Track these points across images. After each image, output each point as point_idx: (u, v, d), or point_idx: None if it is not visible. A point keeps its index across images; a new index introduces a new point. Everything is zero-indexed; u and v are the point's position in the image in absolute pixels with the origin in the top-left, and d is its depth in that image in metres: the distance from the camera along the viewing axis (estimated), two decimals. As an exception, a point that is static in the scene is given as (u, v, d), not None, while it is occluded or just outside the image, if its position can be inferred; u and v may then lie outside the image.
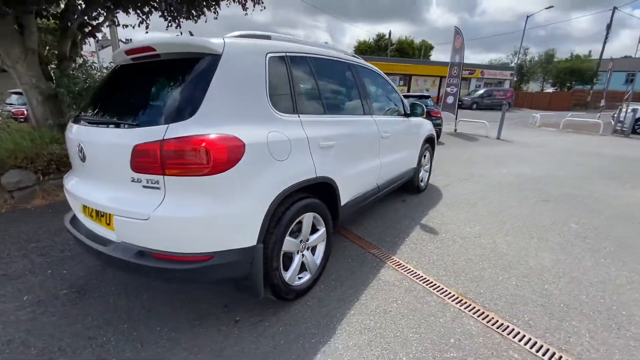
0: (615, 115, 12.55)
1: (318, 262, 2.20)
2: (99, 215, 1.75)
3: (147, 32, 5.50)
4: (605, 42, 30.50)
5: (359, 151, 2.58)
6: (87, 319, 1.93)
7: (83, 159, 1.78)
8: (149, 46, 1.67)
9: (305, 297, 2.15)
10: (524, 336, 1.84)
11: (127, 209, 1.56)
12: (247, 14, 5.58)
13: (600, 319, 2.00)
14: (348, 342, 1.79)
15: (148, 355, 1.70)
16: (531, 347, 1.76)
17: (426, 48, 46.73)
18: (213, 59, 1.58)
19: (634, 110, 11.88)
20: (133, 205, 1.55)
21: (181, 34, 4.38)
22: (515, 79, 34.51)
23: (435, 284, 2.34)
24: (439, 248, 2.91)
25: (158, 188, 1.49)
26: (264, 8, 5.65)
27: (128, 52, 1.83)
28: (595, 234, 3.26)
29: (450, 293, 2.24)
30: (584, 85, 35.38)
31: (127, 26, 5.46)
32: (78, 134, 1.86)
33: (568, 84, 37.16)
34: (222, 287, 2.24)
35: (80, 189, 1.88)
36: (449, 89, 13.02)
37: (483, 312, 2.04)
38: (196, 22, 5.44)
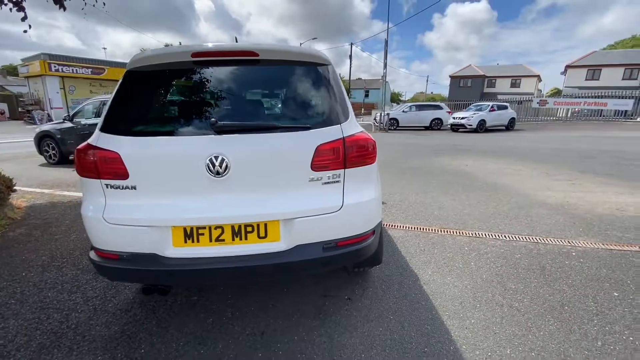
0: (376, 118, 18.56)
1: None
2: (242, 232, 1.59)
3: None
4: (350, 68, 43.57)
5: None
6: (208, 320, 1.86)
7: (219, 173, 1.54)
8: (252, 51, 1.65)
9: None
10: (429, 228, 3.25)
11: (318, 208, 1.62)
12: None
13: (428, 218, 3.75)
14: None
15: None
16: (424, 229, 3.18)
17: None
18: (327, 67, 1.80)
19: (387, 114, 18.07)
20: (321, 202, 1.63)
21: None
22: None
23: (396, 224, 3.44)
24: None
25: (338, 181, 1.65)
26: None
27: (220, 54, 1.67)
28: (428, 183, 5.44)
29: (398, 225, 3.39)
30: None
31: None
32: (215, 145, 1.55)
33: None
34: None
35: (219, 212, 1.58)
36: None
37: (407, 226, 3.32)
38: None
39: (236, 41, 1.98)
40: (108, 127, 1.63)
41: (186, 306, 2.11)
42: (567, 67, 36.80)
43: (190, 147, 1.57)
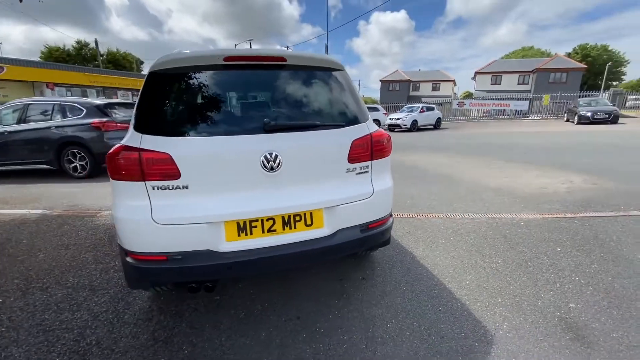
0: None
1: None
2: (291, 222, 1.73)
3: None
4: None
5: None
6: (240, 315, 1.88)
7: (273, 168, 1.67)
8: (281, 56, 1.79)
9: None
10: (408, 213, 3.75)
11: (355, 195, 1.85)
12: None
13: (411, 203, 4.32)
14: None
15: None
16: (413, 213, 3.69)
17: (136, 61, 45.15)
18: (343, 72, 2.02)
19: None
20: (356, 190, 1.87)
21: None
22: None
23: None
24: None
25: (367, 171, 1.92)
26: None
27: (251, 59, 1.78)
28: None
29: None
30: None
31: None
32: (268, 143, 1.68)
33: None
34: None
35: (272, 205, 1.69)
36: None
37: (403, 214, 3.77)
38: None
39: (250, 47, 2.09)
40: (148, 129, 1.61)
41: (211, 307, 2.12)
42: (477, 73, 42.57)
43: (247, 146, 1.66)
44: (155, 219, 1.56)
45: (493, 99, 28.06)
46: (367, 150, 1.90)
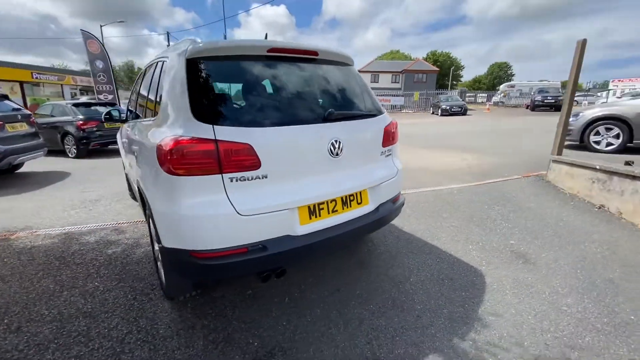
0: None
1: None
2: (347, 201, 1.90)
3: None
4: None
5: None
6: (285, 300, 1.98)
7: (337, 154, 1.82)
8: (315, 51, 1.92)
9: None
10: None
11: (388, 175, 2.18)
12: None
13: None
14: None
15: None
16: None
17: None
18: (354, 67, 2.27)
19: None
20: (388, 170, 2.21)
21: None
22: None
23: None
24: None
25: (390, 154, 2.28)
26: None
27: (291, 51, 1.85)
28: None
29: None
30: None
31: None
32: (332, 131, 1.82)
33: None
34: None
35: (335, 187, 1.85)
36: (101, 97, 12.21)
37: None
38: None
39: (266, 38, 2.10)
40: (218, 119, 1.54)
41: (249, 301, 2.11)
42: (359, 71, 47.57)
43: (318, 134, 1.75)
44: (239, 211, 1.52)
45: (379, 95, 32.23)
46: (391, 136, 2.23)
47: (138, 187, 2.21)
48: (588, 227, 3.20)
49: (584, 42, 4.00)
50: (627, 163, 3.53)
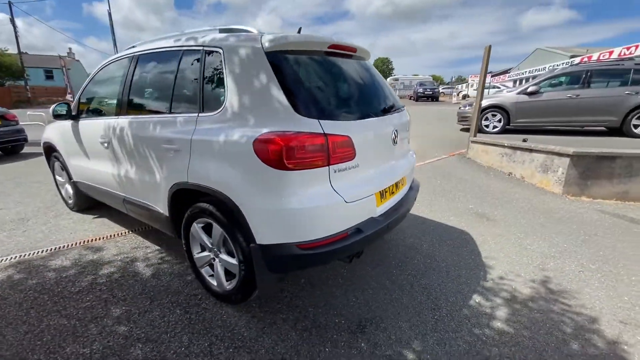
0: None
1: None
2: (398, 185, 2.15)
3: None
4: (18, 39, 30.43)
5: None
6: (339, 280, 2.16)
7: (395, 142, 2.08)
8: (355, 48, 2.06)
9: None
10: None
11: (413, 160, 2.53)
12: None
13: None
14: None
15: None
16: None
17: None
18: None
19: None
20: (412, 154, 2.56)
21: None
22: None
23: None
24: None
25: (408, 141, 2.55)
26: None
27: (346, 49, 1.96)
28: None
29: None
30: (15, 80, 34.06)
31: None
32: (392, 121, 2.08)
33: (-1, 81, 33.65)
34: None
35: (394, 172, 2.11)
36: None
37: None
38: None
39: (299, 32, 2.13)
40: (319, 113, 1.60)
41: (307, 288, 2.21)
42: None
43: (388, 125, 1.97)
44: (346, 199, 1.64)
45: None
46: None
47: (174, 192, 1.99)
48: (509, 189, 4.31)
49: (489, 47, 5.18)
50: (524, 140, 4.84)
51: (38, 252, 2.69)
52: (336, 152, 1.62)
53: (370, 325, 1.87)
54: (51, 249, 2.74)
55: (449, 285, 2.26)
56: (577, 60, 21.96)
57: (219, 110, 1.74)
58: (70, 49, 41.36)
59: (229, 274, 1.97)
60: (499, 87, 21.56)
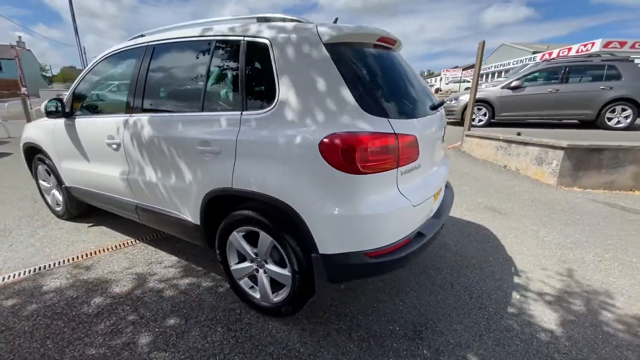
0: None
1: None
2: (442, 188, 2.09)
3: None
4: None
5: None
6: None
7: (443, 139, 2.08)
8: (397, 39, 1.92)
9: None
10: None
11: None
12: None
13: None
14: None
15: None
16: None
17: None
18: None
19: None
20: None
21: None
22: None
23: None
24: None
25: None
26: None
27: (390, 41, 1.84)
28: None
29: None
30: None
31: None
32: (441, 118, 2.06)
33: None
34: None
35: (441, 170, 2.05)
36: None
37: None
38: None
39: (336, 22, 1.97)
40: (386, 111, 1.49)
41: (352, 295, 2.12)
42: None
43: (439, 122, 1.93)
44: (413, 202, 1.55)
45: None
46: None
47: (209, 200, 1.80)
48: (507, 182, 4.46)
49: (483, 43, 5.28)
50: (518, 134, 5.02)
51: (34, 269, 2.36)
52: (405, 153, 1.53)
53: (426, 330, 1.83)
54: (49, 265, 2.42)
55: (487, 282, 2.27)
56: (538, 56, 23.32)
57: (270, 108, 1.56)
58: (20, 37, 37.38)
59: (274, 285, 1.83)
60: (469, 81, 22.41)
